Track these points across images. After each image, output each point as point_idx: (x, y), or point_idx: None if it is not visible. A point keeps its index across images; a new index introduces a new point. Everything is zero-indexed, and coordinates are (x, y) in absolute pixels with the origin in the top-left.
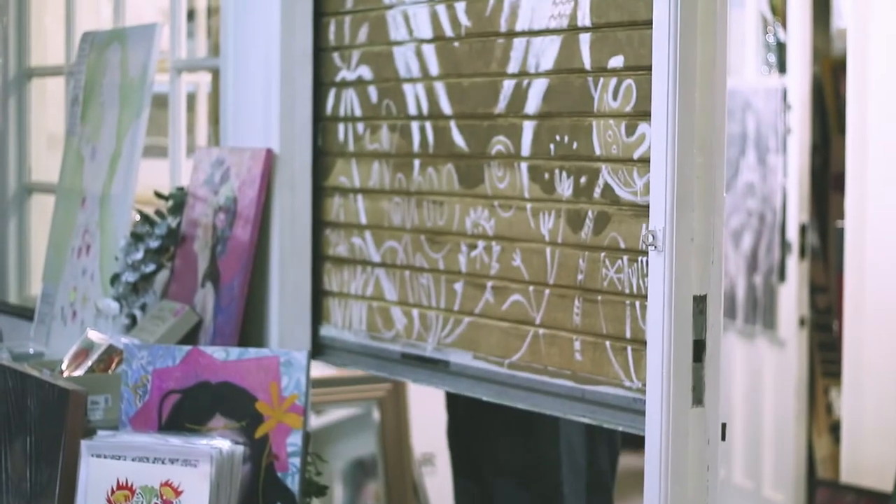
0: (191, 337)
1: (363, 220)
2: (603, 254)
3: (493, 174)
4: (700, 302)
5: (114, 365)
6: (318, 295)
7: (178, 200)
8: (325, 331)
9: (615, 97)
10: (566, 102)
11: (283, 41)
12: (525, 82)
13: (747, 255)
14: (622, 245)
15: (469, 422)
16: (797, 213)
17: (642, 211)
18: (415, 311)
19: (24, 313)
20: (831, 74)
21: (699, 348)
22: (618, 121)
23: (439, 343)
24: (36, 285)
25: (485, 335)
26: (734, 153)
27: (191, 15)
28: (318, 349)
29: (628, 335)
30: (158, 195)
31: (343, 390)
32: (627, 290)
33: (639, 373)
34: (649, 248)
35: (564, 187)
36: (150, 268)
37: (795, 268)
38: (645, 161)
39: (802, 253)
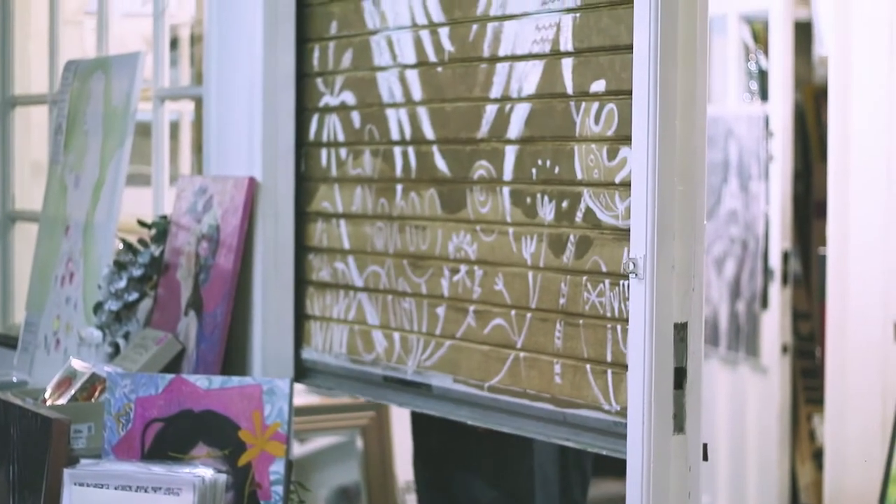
0: (174, 365)
1: (346, 244)
2: (585, 277)
3: (476, 199)
4: (681, 329)
5: (97, 393)
6: (300, 318)
7: (161, 229)
8: (307, 353)
9: (597, 121)
10: (548, 126)
11: (266, 67)
12: (508, 107)
13: (730, 282)
14: (604, 269)
15: (438, 452)
16: (780, 239)
17: (623, 235)
18: (396, 335)
19: (8, 342)
20: (813, 102)
21: (680, 375)
22: (599, 145)
23: (419, 366)
24: (19, 314)
25: (465, 358)
26: (717, 180)
27: (174, 43)
28: (301, 372)
29: (609, 359)
30: (142, 224)
31: (326, 418)
32: (609, 314)
33: (618, 396)
34: (630, 275)
35: (546, 211)
36: (133, 296)
37: (778, 294)
38: (626, 185)
39: (785, 280)
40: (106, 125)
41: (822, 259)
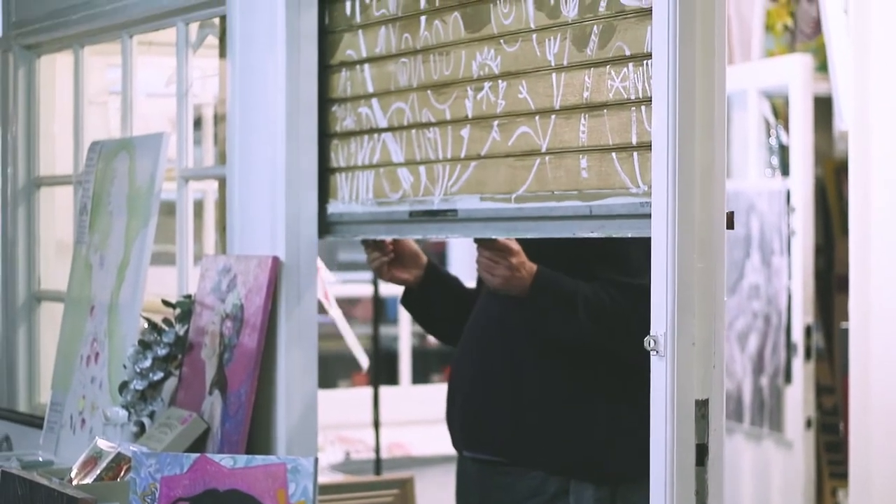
0: (199, 444)
1: (370, 88)
2: (608, 66)
3: (500, 12)
4: (702, 406)
5: (122, 473)
6: (325, 173)
7: (186, 308)
8: (332, 207)
9: None
10: None
11: (289, 149)
12: None
13: (753, 357)
14: (627, 52)
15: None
16: (802, 314)
17: (646, 15)
18: (422, 168)
19: (34, 421)
20: (834, 176)
21: (702, 452)
22: None
23: (446, 193)
24: (45, 393)
25: (491, 174)
26: (739, 255)
27: (198, 122)
28: (325, 228)
29: (634, 141)
30: (166, 303)
31: (351, 496)
32: (633, 97)
33: (644, 176)
34: (651, 352)
35: (570, 8)
36: (158, 375)
37: (801, 369)
38: None
39: (808, 354)
40: (130, 205)
41: (845, 333)
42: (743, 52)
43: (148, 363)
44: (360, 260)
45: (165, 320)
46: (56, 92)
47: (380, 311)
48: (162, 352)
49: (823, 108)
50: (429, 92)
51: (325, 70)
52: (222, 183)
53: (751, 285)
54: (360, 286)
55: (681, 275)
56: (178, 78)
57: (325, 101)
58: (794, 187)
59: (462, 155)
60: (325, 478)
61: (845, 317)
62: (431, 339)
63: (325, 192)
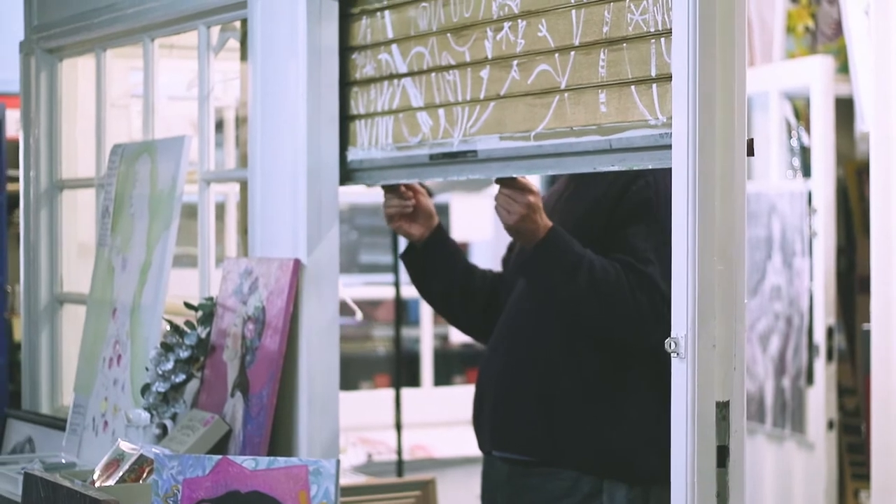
0: (221, 446)
1: (390, 34)
2: (628, 0)
3: None
4: (723, 408)
5: (145, 475)
6: (345, 121)
7: (208, 310)
8: (353, 154)
9: None
10: None
11: (310, 150)
12: None
13: (775, 359)
14: None
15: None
16: (824, 315)
17: None
18: (441, 111)
19: (56, 423)
20: (855, 177)
21: (723, 454)
22: None
23: (465, 134)
24: (67, 395)
25: (510, 113)
26: (760, 256)
27: (219, 125)
28: (346, 176)
29: (653, 73)
30: (188, 305)
31: (373, 498)
32: (652, 29)
33: (663, 108)
34: (672, 354)
35: None
36: (181, 377)
37: (823, 370)
38: None
39: (830, 355)
40: (152, 208)
41: (867, 334)
42: (764, 53)
43: (170, 365)
44: (382, 262)
45: (187, 322)
46: (78, 95)
47: (402, 312)
48: (184, 354)
49: (845, 109)
50: (448, 35)
51: (346, 18)
52: (244, 185)
53: (772, 286)
54: (383, 288)
55: (701, 276)
56: (199, 81)
57: (345, 49)
58: (816, 188)
59: (481, 96)
60: (346, 479)
61: (867, 318)
62: (453, 340)
63: (345, 140)
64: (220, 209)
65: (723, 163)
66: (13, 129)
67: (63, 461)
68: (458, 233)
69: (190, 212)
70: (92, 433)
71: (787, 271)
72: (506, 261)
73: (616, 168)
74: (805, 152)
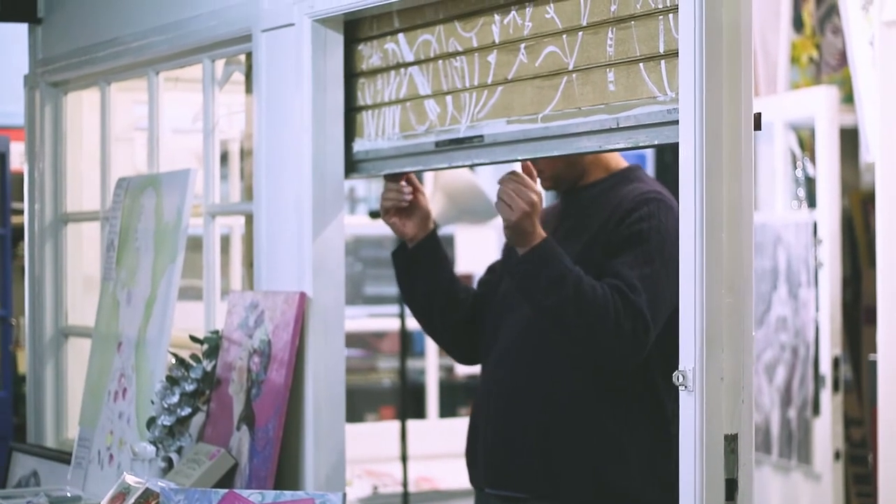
0: (227, 480)
1: (396, 23)
2: None
3: None
4: (731, 441)
5: None
6: (351, 112)
7: (213, 344)
8: (358, 146)
9: None
10: None
11: (315, 185)
12: None
13: (781, 389)
14: None
15: None
16: (830, 346)
17: None
18: (448, 98)
19: (62, 457)
20: (861, 207)
21: (731, 487)
22: None
23: (473, 119)
24: (73, 429)
25: (518, 97)
26: (766, 288)
27: (224, 158)
28: (351, 167)
29: (661, 49)
30: (193, 339)
31: None
32: (661, 6)
33: (671, 83)
34: (679, 387)
35: None
36: (186, 411)
37: (829, 401)
38: None
39: (836, 386)
40: (157, 241)
41: (873, 365)
42: (768, 84)
43: (175, 399)
44: (386, 294)
45: (193, 356)
46: (83, 128)
47: (407, 344)
48: (189, 387)
49: (849, 139)
50: (455, 22)
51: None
52: (249, 218)
53: (778, 317)
54: (387, 320)
55: (709, 309)
56: (204, 114)
57: (352, 42)
58: (821, 219)
59: (489, 80)
60: None
61: (873, 348)
62: (459, 371)
63: (350, 132)
64: (226, 242)
65: (730, 191)
66: (18, 161)
67: (69, 495)
68: (462, 265)
69: (195, 245)
70: (97, 466)
71: (793, 302)
72: (484, 282)
73: (622, 146)
74: (810, 183)
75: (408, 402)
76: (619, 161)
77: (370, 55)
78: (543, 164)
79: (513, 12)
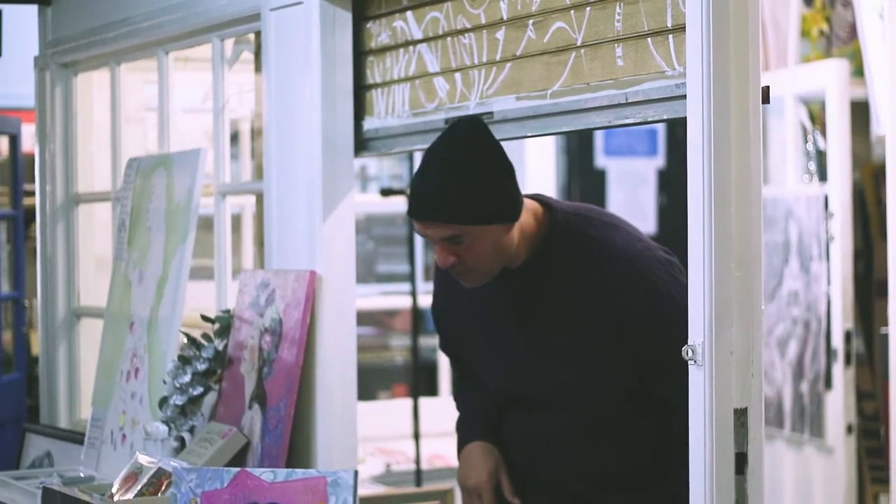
0: (239, 459)
1: (405, 0)
2: None
3: None
4: (741, 415)
5: (163, 488)
6: (360, 91)
7: (225, 323)
8: (368, 124)
9: None
10: None
11: (325, 163)
12: None
13: (793, 363)
14: None
15: None
16: (842, 319)
17: None
18: (457, 75)
19: (75, 437)
20: (872, 180)
21: (741, 461)
22: None
23: (482, 96)
24: (86, 409)
25: (527, 73)
26: (777, 262)
27: (234, 137)
28: (361, 145)
29: (669, 24)
30: (205, 318)
31: None
32: None
33: (679, 58)
34: (689, 361)
35: None
36: (198, 390)
37: (841, 375)
38: None
39: (848, 360)
40: (168, 221)
41: (885, 338)
42: (779, 58)
43: (187, 378)
44: (398, 271)
45: (204, 335)
46: (93, 109)
47: (419, 322)
48: (201, 367)
49: (860, 112)
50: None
51: None
52: (260, 197)
53: (790, 291)
54: (399, 298)
55: (718, 283)
56: (214, 93)
57: (360, 20)
58: (832, 192)
59: (497, 57)
60: (365, 490)
61: (885, 322)
62: None
63: (360, 110)
64: (237, 221)
65: (739, 165)
66: (29, 143)
67: (81, 475)
68: None
69: (206, 224)
70: (110, 447)
71: (805, 276)
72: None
73: (631, 121)
74: (821, 156)
75: (420, 380)
76: (527, 221)
77: (379, 33)
78: (471, 261)
79: None
